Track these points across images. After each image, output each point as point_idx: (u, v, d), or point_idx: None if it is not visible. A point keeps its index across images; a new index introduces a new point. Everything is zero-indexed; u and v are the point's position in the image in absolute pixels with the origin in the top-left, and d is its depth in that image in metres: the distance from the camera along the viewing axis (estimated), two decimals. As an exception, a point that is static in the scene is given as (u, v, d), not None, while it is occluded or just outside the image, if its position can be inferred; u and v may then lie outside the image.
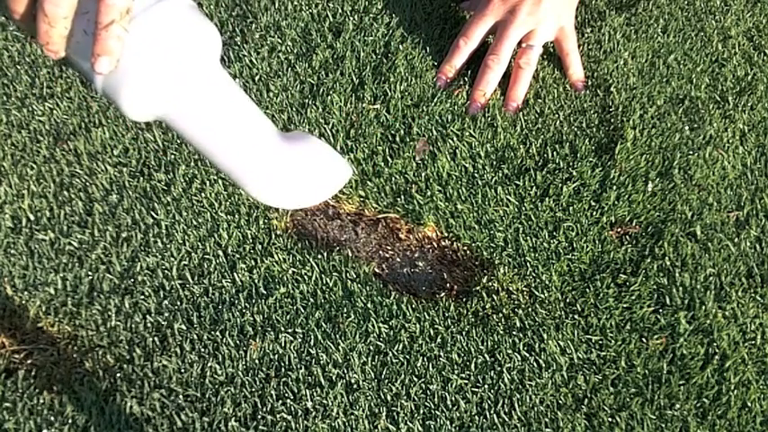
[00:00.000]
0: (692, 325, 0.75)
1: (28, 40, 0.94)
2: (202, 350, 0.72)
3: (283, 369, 0.71)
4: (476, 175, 0.84)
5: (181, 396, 0.70)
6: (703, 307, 0.76)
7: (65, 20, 0.38)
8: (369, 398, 0.70)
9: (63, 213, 0.79)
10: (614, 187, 0.83)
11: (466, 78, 0.91)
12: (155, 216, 0.79)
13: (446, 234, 0.81)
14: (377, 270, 0.79)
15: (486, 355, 0.72)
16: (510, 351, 0.73)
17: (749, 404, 0.71)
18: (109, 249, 0.77)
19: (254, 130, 0.43)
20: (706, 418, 0.70)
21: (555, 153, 0.86)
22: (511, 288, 0.77)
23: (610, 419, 0.70)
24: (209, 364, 0.71)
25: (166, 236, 0.78)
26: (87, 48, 0.38)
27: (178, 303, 0.74)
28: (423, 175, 0.83)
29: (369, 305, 0.75)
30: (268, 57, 0.92)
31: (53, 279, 0.75)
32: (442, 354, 0.72)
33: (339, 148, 0.85)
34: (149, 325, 0.73)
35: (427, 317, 0.74)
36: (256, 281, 0.76)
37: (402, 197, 0.82)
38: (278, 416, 0.69)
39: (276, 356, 0.72)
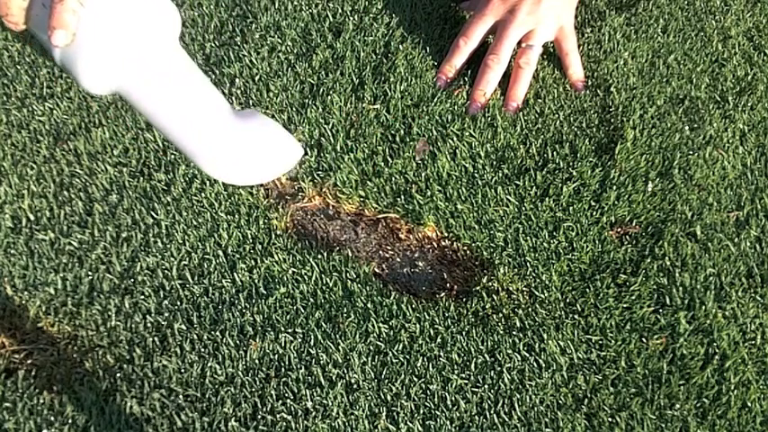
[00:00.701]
0: (692, 325, 0.75)
1: (28, 40, 0.94)
2: (202, 350, 0.72)
3: (283, 369, 0.71)
4: (476, 175, 0.84)
5: (181, 396, 0.70)
6: (703, 307, 0.76)
7: None
8: (369, 398, 0.70)
9: (63, 213, 0.79)
10: (614, 187, 0.83)
11: (466, 78, 0.91)
12: (155, 216, 0.79)
13: (446, 234, 0.81)
14: (377, 270, 0.79)
15: (486, 355, 0.72)
16: (510, 351, 0.73)
17: (749, 404, 0.71)
18: (109, 249, 0.77)
19: (207, 106, 0.44)
20: (706, 418, 0.70)
21: (555, 153, 0.86)
22: (511, 288, 0.77)
23: (610, 419, 0.70)
24: (209, 364, 0.71)
25: (166, 236, 0.78)
26: (45, 21, 0.38)
27: (178, 303, 0.74)
28: (423, 175, 0.83)
29: (369, 305, 0.75)
30: (268, 57, 0.92)
31: (53, 279, 0.75)
32: (442, 354, 0.72)
33: (339, 148, 0.85)
34: (149, 325, 0.73)
35: (427, 317, 0.74)
36: (256, 281, 0.76)
37: (402, 197, 0.82)
38: (278, 416, 0.69)
39: (276, 356, 0.72)
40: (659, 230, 0.81)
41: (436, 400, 0.70)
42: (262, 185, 0.83)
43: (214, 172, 0.45)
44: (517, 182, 0.83)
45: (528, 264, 0.78)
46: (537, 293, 0.76)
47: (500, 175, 0.84)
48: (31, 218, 0.79)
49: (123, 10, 0.39)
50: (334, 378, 0.71)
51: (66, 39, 0.38)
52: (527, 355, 0.73)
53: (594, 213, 0.81)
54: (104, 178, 0.82)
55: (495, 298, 0.76)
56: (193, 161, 0.45)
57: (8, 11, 0.38)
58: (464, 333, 0.74)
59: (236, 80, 0.89)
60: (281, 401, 0.69)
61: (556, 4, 0.89)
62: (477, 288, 0.77)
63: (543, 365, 0.72)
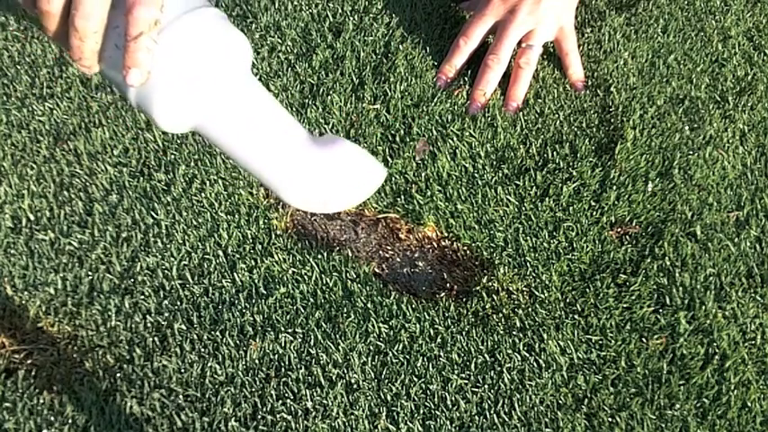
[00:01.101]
0: (692, 325, 0.75)
1: (28, 39, 0.94)
2: (202, 350, 0.72)
3: (283, 369, 0.71)
4: (476, 175, 0.84)
5: (181, 396, 0.70)
6: (703, 307, 0.76)
7: (95, 34, 0.38)
8: (369, 398, 0.70)
9: (63, 213, 0.79)
10: (614, 187, 0.83)
11: (466, 78, 0.91)
12: (155, 216, 0.79)
13: (446, 234, 0.81)
14: (377, 270, 0.79)
15: (486, 355, 0.72)
16: (510, 351, 0.73)
17: (749, 404, 0.71)
18: (109, 249, 0.77)
19: (286, 136, 0.43)
20: (706, 418, 0.70)
21: (555, 153, 0.86)
22: (511, 288, 0.77)
23: (610, 419, 0.70)
24: (209, 364, 0.71)
25: (166, 236, 0.78)
26: (119, 61, 0.38)
27: (178, 303, 0.74)
28: (423, 175, 0.83)
29: (369, 305, 0.75)
30: (268, 57, 0.92)
31: (53, 279, 0.75)
32: (442, 354, 0.72)
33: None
34: (149, 325, 0.73)
35: (427, 317, 0.74)
36: (256, 281, 0.76)
37: (402, 197, 0.82)
38: (278, 416, 0.69)
39: (276, 356, 0.72)
40: (659, 230, 0.81)
41: (436, 400, 0.70)
42: (262, 185, 0.83)
43: (297, 202, 0.44)
44: (517, 182, 0.83)
45: (528, 264, 0.78)
46: (537, 293, 0.76)
47: (500, 175, 0.84)
48: (31, 218, 0.79)
49: (196, 45, 0.39)
50: (334, 378, 0.71)
51: (141, 78, 0.38)
52: (527, 355, 0.73)
53: (594, 213, 0.81)
54: (104, 178, 0.82)
55: (495, 298, 0.76)
56: (276, 193, 0.44)
57: (81, 54, 0.38)
58: (464, 333, 0.74)
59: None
60: (281, 401, 0.69)
61: (556, 5, 0.89)
62: (477, 288, 0.77)
63: (543, 365, 0.72)
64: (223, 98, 0.40)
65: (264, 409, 0.69)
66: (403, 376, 0.71)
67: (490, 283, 0.77)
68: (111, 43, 0.39)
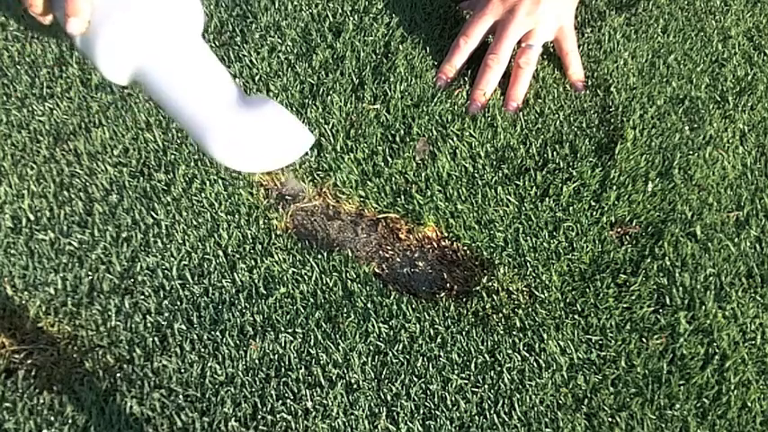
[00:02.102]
0: (692, 325, 0.75)
1: (28, 39, 0.94)
2: (202, 350, 0.72)
3: (283, 369, 0.71)
4: (476, 175, 0.84)
5: (181, 396, 0.70)
6: (703, 307, 0.76)
7: None
8: (369, 398, 0.70)
9: (63, 213, 0.79)
10: (614, 187, 0.83)
11: (466, 78, 0.91)
12: (155, 216, 0.79)
13: (446, 234, 0.81)
14: (377, 270, 0.79)
15: (486, 355, 0.72)
16: (510, 351, 0.73)
17: (749, 404, 0.71)
18: (109, 249, 0.77)
19: (216, 93, 0.44)
20: (706, 418, 0.70)
21: (555, 153, 0.86)
22: (511, 288, 0.77)
23: (610, 419, 0.70)
24: (209, 364, 0.71)
25: (166, 236, 0.78)
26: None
27: (178, 303, 0.74)
28: (423, 175, 0.83)
29: (369, 305, 0.75)
30: (268, 57, 0.92)
31: (53, 279, 0.75)
32: (442, 354, 0.72)
33: (339, 148, 0.85)
34: (149, 325, 0.73)
35: (427, 317, 0.74)
36: (256, 281, 0.76)
37: (402, 197, 0.82)
38: (278, 416, 0.69)
39: (276, 356, 0.72)
40: (659, 230, 0.81)
41: (436, 400, 0.70)
42: (262, 185, 0.83)
43: (221, 157, 0.45)
44: (517, 182, 0.83)
45: (528, 264, 0.78)
46: (537, 293, 0.76)
47: (500, 175, 0.84)
48: (31, 218, 0.79)
49: None
50: (334, 378, 0.71)
51: (80, 26, 0.38)
52: (527, 355, 0.73)
53: (594, 213, 0.81)
54: (104, 178, 0.82)
55: (495, 298, 0.76)
56: (202, 147, 0.45)
57: (32, 3, 0.39)
58: (464, 333, 0.74)
59: (236, 80, 0.89)
60: (281, 401, 0.69)
61: (555, 4, 0.89)
62: (477, 288, 0.77)
63: (543, 365, 0.72)
64: (161, 50, 0.41)
65: (264, 409, 0.69)
66: (403, 376, 0.71)
67: (490, 283, 0.77)
68: None
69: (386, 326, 0.73)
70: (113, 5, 0.39)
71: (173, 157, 0.84)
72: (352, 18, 0.96)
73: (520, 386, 0.71)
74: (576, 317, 0.75)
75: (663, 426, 0.70)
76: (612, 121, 0.89)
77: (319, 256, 0.78)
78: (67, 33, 0.41)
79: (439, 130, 0.87)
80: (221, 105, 0.44)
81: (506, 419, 0.69)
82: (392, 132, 0.86)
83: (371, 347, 0.73)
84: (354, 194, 0.82)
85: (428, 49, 0.94)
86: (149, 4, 0.40)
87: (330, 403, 0.69)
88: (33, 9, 0.40)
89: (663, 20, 0.99)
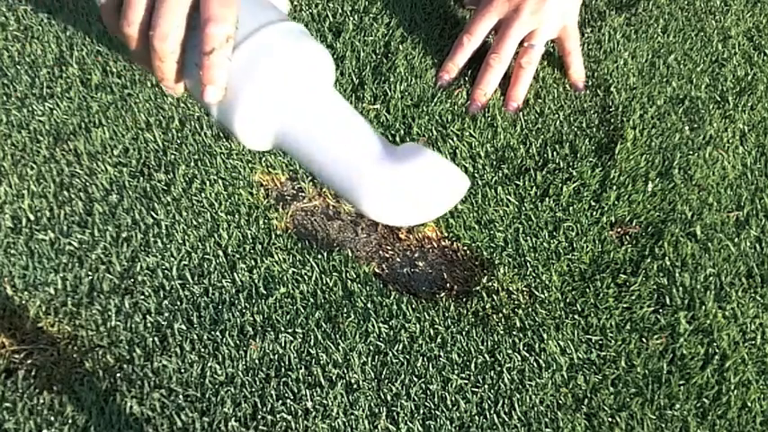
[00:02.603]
0: (692, 325, 0.75)
1: (28, 39, 0.94)
2: (202, 350, 0.72)
3: (283, 369, 0.71)
4: (476, 175, 0.84)
5: (181, 396, 0.70)
6: (703, 307, 0.76)
7: (172, 54, 0.38)
8: (369, 398, 0.70)
9: (63, 213, 0.79)
10: (614, 187, 0.83)
11: (466, 78, 0.91)
12: (155, 216, 0.79)
13: (446, 234, 0.81)
14: (377, 270, 0.79)
15: (486, 355, 0.72)
16: (510, 351, 0.73)
17: (749, 404, 0.71)
18: (109, 249, 0.77)
19: (363, 150, 0.42)
20: (706, 418, 0.70)
21: (555, 153, 0.86)
22: (511, 288, 0.77)
23: (610, 419, 0.70)
24: (209, 364, 0.71)
25: (166, 236, 0.78)
26: (198, 79, 0.38)
27: (178, 303, 0.74)
28: (423, 175, 0.83)
29: (369, 305, 0.75)
30: (268, 57, 0.92)
31: (53, 279, 0.75)
32: (442, 354, 0.72)
33: (339, 148, 0.85)
34: (149, 325, 0.73)
35: (427, 317, 0.74)
36: (256, 281, 0.76)
37: (402, 197, 0.82)
38: (278, 416, 0.69)
39: (276, 356, 0.72)
40: (659, 230, 0.81)
41: (436, 400, 0.70)
42: (262, 185, 0.83)
43: (375, 215, 0.43)
44: (517, 182, 0.83)
45: (528, 264, 0.78)
46: (537, 293, 0.76)
47: (500, 175, 0.84)
48: (31, 218, 0.79)
49: (272, 61, 0.38)
50: (334, 378, 0.71)
51: (216, 94, 0.37)
52: (527, 355, 0.73)
53: (594, 213, 0.81)
54: (104, 178, 0.82)
55: (495, 298, 0.76)
56: (355, 205, 0.43)
57: (162, 75, 0.38)
58: (464, 333, 0.74)
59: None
60: (281, 401, 0.70)
61: (561, 4, 0.89)
62: (477, 288, 0.77)
63: (543, 365, 0.72)
64: (301, 113, 0.39)
65: (264, 409, 0.69)
66: (403, 376, 0.71)
67: (490, 283, 0.77)
68: (191, 62, 0.38)
69: (386, 326, 0.73)
70: (250, 70, 0.38)
71: (173, 157, 0.84)
72: (352, 18, 0.96)
73: (520, 386, 0.71)
74: (575, 317, 0.75)
75: (663, 426, 0.70)
76: (612, 121, 0.89)
77: (319, 256, 0.78)
78: (202, 103, 0.40)
79: (439, 130, 0.87)
80: (368, 159, 0.42)
81: (506, 419, 0.69)
82: (392, 132, 0.86)
83: (371, 347, 0.73)
84: (354, 194, 0.82)
85: (428, 49, 0.94)
86: (286, 65, 0.39)
87: (330, 403, 0.69)
88: (165, 83, 0.39)
89: (663, 20, 0.99)
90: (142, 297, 0.75)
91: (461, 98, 0.89)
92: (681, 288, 0.77)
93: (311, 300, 0.75)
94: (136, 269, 0.76)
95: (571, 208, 0.82)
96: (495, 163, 0.85)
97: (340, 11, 0.97)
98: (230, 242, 0.78)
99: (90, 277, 0.76)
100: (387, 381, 0.71)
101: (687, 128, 0.89)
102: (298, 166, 0.84)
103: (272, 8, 0.41)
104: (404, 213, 0.43)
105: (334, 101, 0.41)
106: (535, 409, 0.70)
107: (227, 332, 0.73)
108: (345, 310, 0.74)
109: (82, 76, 0.90)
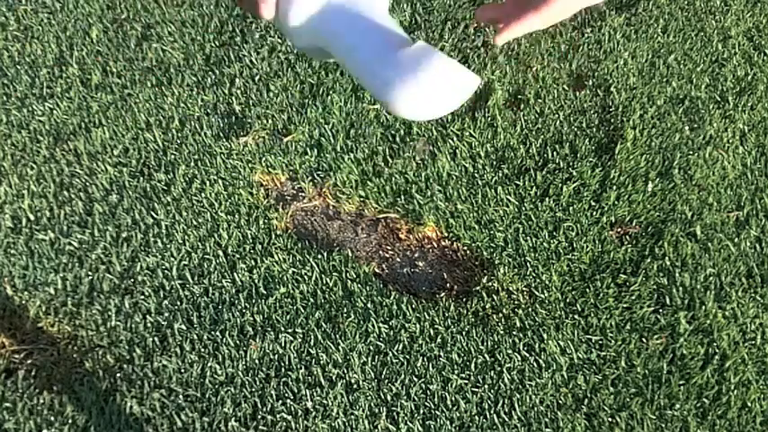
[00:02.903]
0: (692, 325, 0.75)
1: (28, 39, 0.94)
2: (202, 350, 0.72)
3: (283, 369, 0.71)
4: (476, 175, 0.84)
5: (181, 396, 0.70)
6: (703, 307, 0.76)
7: None
8: (369, 398, 0.70)
9: (63, 213, 0.79)
10: (614, 187, 0.83)
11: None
12: (155, 216, 0.79)
13: (446, 234, 0.81)
14: (377, 270, 0.79)
15: (486, 355, 0.72)
16: (510, 351, 0.73)
17: (749, 404, 0.71)
18: (109, 249, 0.77)
19: (382, 44, 0.46)
20: (706, 418, 0.70)
21: (555, 153, 0.86)
22: (511, 288, 0.77)
23: (610, 419, 0.70)
24: (209, 364, 0.71)
25: (166, 236, 0.78)
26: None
27: (178, 303, 0.74)
28: (423, 175, 0.83)
29: (369, 305, 0.75)
30: (268, 57, 0.92)
31: (53, 279, 0.75)
32: (442, 354, 0.72)
33: (339, 148, 0.85)
34: (149, 325, 0.73)
35: (427, 317, 0.74)
36: (256, 281, 0.76)
37: (402, 197, 0.82)
38: (278, 416, 0.69)
39: (276, 356, 0.72)
40: (659, 230, 0.81)
41: (436, 400, 0.70)
42: (262, 185, 0.83)
43: (394, 106, 0.47)
44: (517, 182, 0.83)
45: (528, 264, 0.78)
46: (537, 293, 0.76)
47: (500, 175, 0.84)
48: (31, 218, 0.79)
49: None
50: (334, 378, 0.71)
51: (269, 11, 0.45)
52: (527, 355, 0.73)
53: (594, 213, 0.81)
54: (104, 178, 0.82)
55: (495, 298, 0.76)
56: (380, 99, 0.48)
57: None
58: (464, 333, 0.74)
59: (236, 80, 0.89)
60: (281, 401, 0.69)
61: None
62: (477, 288, 0.77)
63: (543, 365, 0.72)
64: (334, 12, 0.45)
65: (264, 409, 0.69)
66: (403, 376, 0.71)
67: (490, 283, 0.77)
68: None
69: (386, 326, 0.73)
70: None
71: (173, 157, 0.84)
72: (352, 18, 0.96)
73: (520, 386, 0.71)
74: (576, 317, 0.75)
75: (663, 426, 0.70)
76: (612, 121, 0.89)
77: (319, 256, 0.78)
78: (279, 27, 0.48)
79: (439, 130, 0.87)
80: (390, 54, 0.46)
81: (506, 419, 0.69)
82: (392, 132, 0.86)
83: (371, 347, 0.73)
84: (354, 194, 0.82)
85: (428, 49, 0.94)
86: None
87: (330, 403, 0.69)
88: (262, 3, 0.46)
89: (663, 20, 0.99)
90: (142, 297, 0.75)
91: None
92: (681, 288, 0.77)
93: (311, 300, 0.75)
94: (136, 269, 0.76)
95: (571, 208, 0.82)
96: (495, 163, 0.85)
97: (340, 11, 0.97)
98: (230, 242, 0.78)
99: (90, 277, 0.76)
100: (387, 381, 0.71)
101: (687, 128, 0.89)
102: (297, 167, 0.84)
103: None
104: (420, 107, 0.47)
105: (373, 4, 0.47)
106: (535, 409, 0.70)
107: (227, 332, 0.73)
108: (345, 310, 0.74)
109: (82, 76, 0.90)
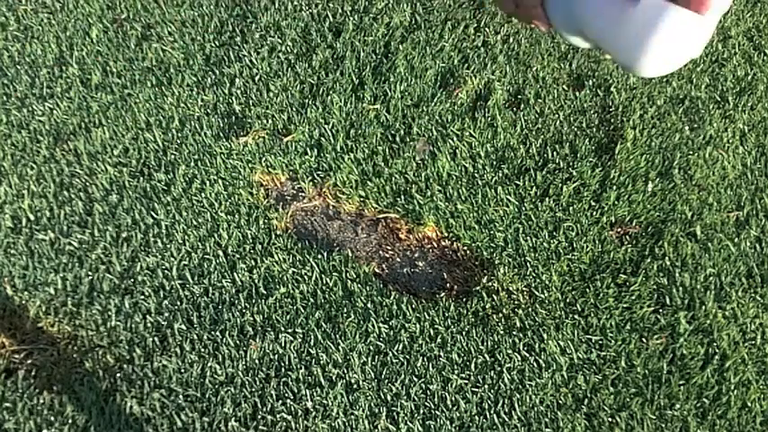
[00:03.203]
0: (692, 325, 0.75)
1: (28, 39, 0.94)
2: (202, 350, 0.72)
3: (283, 369, 0.71)
4: (476, 175, 0.84)
5: (181, 396, 0.70)
6: (703, 307, 0.76)
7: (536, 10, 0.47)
8: (369, 398, 0.70)
9: (63, 213, 0.79)
10: (614, 187, 0.83)
11: (466, 78, 0.91)
12: (155, 216, 0.79)
13: (446, 234, 0.81)
14: (377, 270, 0.79)
15: (486, 355, 0.72)
16: (510, 351, 0.73)
17: (749, 404, 0.71)
18: (109, 249, 0.77)
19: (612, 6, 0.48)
20: (706, 418, 0.70)
21: (555, 153, 0.86)
22: (511, 288, 0.77)
23: (610, 419, 0.70)
24: (209, 364, 0.71)
25: (166, 236, 0.78)
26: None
27: (178, 303, 0.74)
28: (423, 175, 0.83)
29: (369, 305, 0.75)
30: (268, 57, 0.92)
31: (53, 279, 0.75)
32: (442, 354, 0.72)
33: (339, 148, 0.85)
34: (149, 325, 0.73)
35: (427, 317, 0.74)
36: (256, 281, 0.76)
37: (402, 197, 0.82)
38: (278, 416, 0.69)
39: (276, 356, 0.72)
40: (659, 230, 0.81)
41: (436, 400, 0.70)
42: (262, 185, 0.83)
43: (629, 64, 0.48)
44: (517, 182, 0.83)
45: (528, 264, 0.78)
46: (537, 293, 0.76)
47: (500, 175, 0.84)
48: (31, 218, 0.79)
49: None
50: (334, 378, 0.71)
51: (545, 26, 0.46)
52: (527, 355, 0.73)
53: (594, 213, 0.81)
54: (104, 178, 0.82)
55: (495, 298, 0.76)
56: (614, 58, 0.48)
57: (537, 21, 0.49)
58: (464, 333, 0.74)
59: (236, 80, 0.89)
60: (281, 401, 0.69)
61: None
62: (477, 288, 0.77)
63: (543, 365, 0.72)
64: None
65: (264, 409, 0.69)
66: (403, 376, 0.71)
67: (490, 283, 0.77)
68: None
69: (386, 326, 0.73)
70: None
71: (173, 157, 0.84)
72: (352, 18, 0.96)
73: (520, 386, 0.71)
74: (576, 317, 0.75)
75: (663, 426, 0.70)
76: (612, 121, 0.89)
77: (319, 256, 0.78)
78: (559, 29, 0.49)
79: (439, 130, 0.87)
80: (624, 14, 0.47)
81: (506, 419, 0.69)
82: (392, 132, 0.86)
83: (371, 347, 0.73)
84: (354, 194, 0.82)
85: (428, 49, 0.94)
86: None
87: (330, 403, 0.69)
88: (539, 25, 0.48)
89: (663, 20, 0.99)
90: (142, 297, 0.75)
91: (461, 98, 0.89)
92: (681, 288, 0.77)
93: (311, 300, 0.75)
94: (136, 269, 0.76)
95: (571, 208, 0.82)
96: (495, 163, 0.85)
97: (340, 11, 0.97)
98: (230, 242, 0.78)
99: (90, 277, 0.76)
100: (387, 381, 0.71)
101: (687, 128, 0.89)
102: (297, 167, 0.84)
103: None
104: (656, 62, 0.47)
105: None
106: (535, 409, 0.70)
107: (227, 332, 0.73)
108: (345, 310, 0.74)
109: (82, 76, 0.90)
